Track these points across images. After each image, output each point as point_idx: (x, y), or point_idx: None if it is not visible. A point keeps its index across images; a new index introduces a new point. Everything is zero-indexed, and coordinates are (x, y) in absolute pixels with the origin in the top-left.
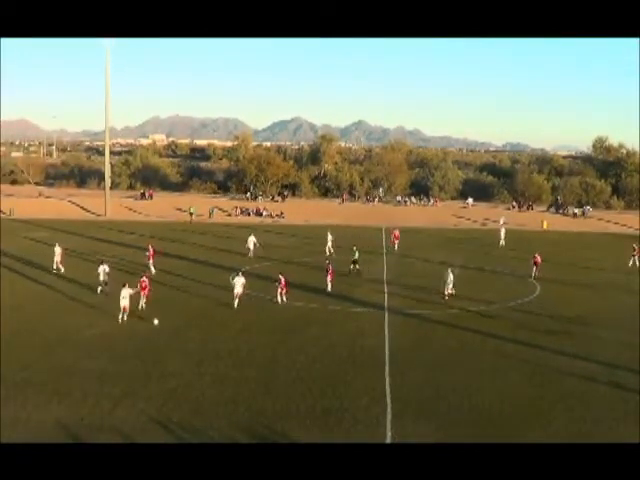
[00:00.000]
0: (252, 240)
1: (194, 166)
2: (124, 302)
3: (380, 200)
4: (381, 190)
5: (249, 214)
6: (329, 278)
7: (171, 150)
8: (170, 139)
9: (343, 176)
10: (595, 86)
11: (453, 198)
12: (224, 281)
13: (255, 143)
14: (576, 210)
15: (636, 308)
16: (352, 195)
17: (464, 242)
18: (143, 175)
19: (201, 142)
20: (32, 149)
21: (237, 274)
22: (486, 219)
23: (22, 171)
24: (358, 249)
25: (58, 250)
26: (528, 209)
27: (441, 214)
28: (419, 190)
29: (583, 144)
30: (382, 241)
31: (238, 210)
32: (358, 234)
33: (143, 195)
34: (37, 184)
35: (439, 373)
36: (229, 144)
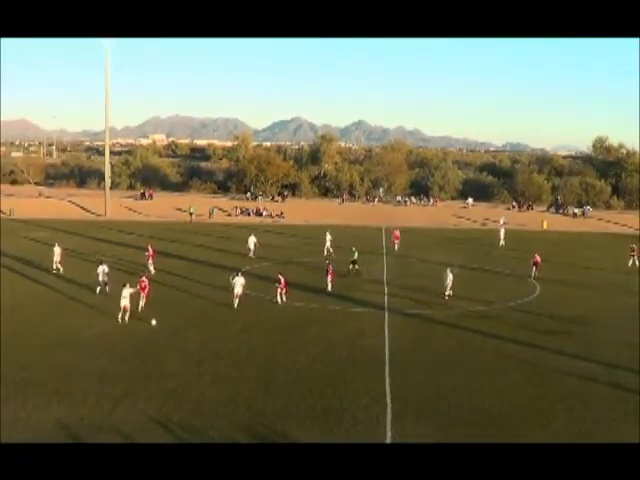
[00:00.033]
0: (252, 240)
1: (194, 166)
2: (124, 302)
3: (380, 200)
4: (381, 190)
5: (249, 214)
6: (329, 278)
7: (171, 150)
8: (170, 139)
9: (343, 176)
10: (595, 86)
11: (453, 198)
12: (224, 281)
13: (255, 143)
14: (576, 210)
15: (636, 308)
16: (352, 195)
17: (464, 242)
18: (143, 175)
19: (201, 142)
20: (32, 149)
21: (237, 274)
22: (486, 219)
23: (22, 171)
24: (358, 249)
25: (57, 250)
26: (528, 209)
27: (441, 214)
28: (419, 190)
29: (583, 144)
30: (382, 241)
31: (238, 210)
32: (358, 234)
33: (143, 195)
34: (37, 184)
35: (439, 373)
36: (229, 144)
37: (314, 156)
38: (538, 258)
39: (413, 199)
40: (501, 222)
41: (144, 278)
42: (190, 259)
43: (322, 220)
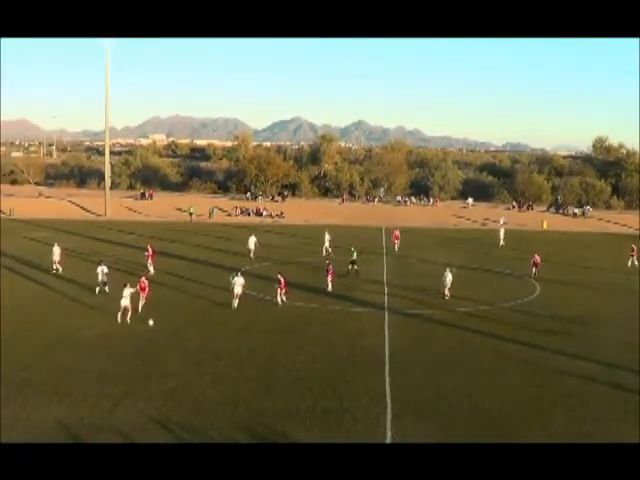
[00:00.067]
0: (253, 240)
1: (194, 166)
2: (125, 302)
3: (380, 200)
4: (381, 190)
5: (249, 214)
6: (329, 278)
7: (171, 150)
8: (170, 139)
9: (343, 176)
10: (595, 86)
11: (453, 198)
12: (224, 281)
13: (255, 143)
14: (576, 210)
15: (636, 308)
16: (352, 195)
17: (464, 242)
18: (143, 175)
19: (201, 142)
20: (32, 149)
21: (237, 274)
22: (486, 219)
23: (22, 171)
24: (357, 249)
25: (57, 250)
26: (528, 209)
27: (441, 214)
28: (419, 190)
29: (583, 144)
30: (382, 241)
31: (238, 210)
32: (358, 234)
33: (143, 195)
34: (37, 184)
35: (439, 373)
36: (229, 144)
37: (314, 156)
38: (538, 259)
39: (413, 199)
40: (501, 222)
41: (144, 279)
42: (190, 259)
43: (322, 220)
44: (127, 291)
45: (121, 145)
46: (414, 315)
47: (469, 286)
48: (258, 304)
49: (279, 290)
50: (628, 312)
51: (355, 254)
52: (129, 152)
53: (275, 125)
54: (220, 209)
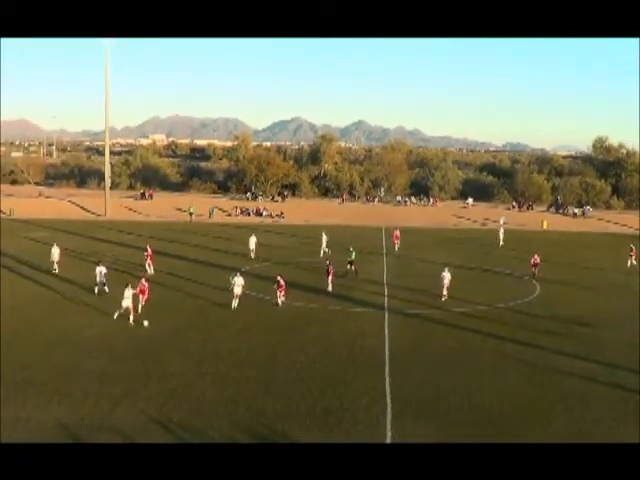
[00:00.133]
0: (253, 240)
1: (194, 166)
2: (126, 302)
3: (380, 200)
4: (381, 190)
5: (249, 214)
6: (330, 278)
7: (171, 150)
8: (170, 139)
9: (343, 176)
10: (595, 86)
11: (453, 198)
12: (224, 281)
13: (255, 143)
14: (576, 210)
15: (636, 308)
16: (352, 195)
17: (464, 242)
18: (143, 175)
19: (201, 142)
20: (32, 149)
21: (236, 274)
22: (486, 219)
23: (22, 171)
24: (355, 249)
25: (56, 250)
26: (528, 209)
27: (441, 214)
28: (419, 190)
29: (583, 144)
30: (382, 241)
31: (238, 210)
32: (358, 234)
33: (143, 195)
34: (37, 184)
35: (439, 373)
36: (229, 144)
37: (314, 156)
38: (537, 259)
39: (413, 199)
40: (501, 222)
41: (144, 281)
42: (190, 259)
43: (322, 220)
44: (128, 292)
45: (121, 145)
46: (414, 315)
47: (469, 286)
48: (258, 304)
49: (279, 292)
50: (628, 312)
51: (353, 254)
52: (129, 152)
53: (275, 125)
54: (220, 209)
